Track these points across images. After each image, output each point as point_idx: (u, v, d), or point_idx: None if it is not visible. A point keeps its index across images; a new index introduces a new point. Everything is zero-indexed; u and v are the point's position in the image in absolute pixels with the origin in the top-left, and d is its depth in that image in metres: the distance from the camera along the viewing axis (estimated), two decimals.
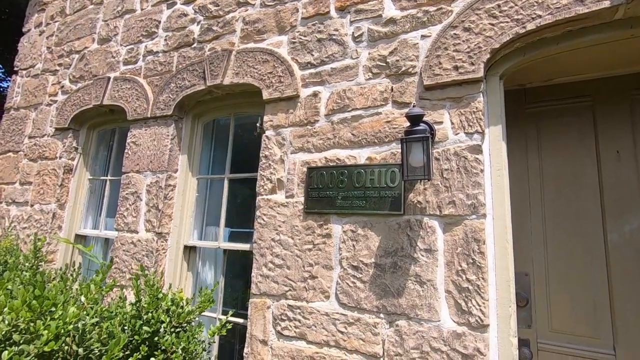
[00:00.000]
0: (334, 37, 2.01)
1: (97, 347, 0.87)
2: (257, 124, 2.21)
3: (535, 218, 1.80)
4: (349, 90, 1.90)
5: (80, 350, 0.82)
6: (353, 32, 1.95)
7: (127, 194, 2.57)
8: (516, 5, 1.54)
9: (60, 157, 3.06)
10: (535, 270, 1.77)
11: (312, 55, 2.05)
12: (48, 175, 3.07)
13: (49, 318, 0.78)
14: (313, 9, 2.11)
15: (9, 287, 1.08)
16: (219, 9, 2.48)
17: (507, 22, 1.55)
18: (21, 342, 0.72)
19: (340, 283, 1.72)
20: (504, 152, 1.57)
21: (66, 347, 0.81)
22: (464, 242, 1.50)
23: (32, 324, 0.75)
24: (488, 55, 1.56)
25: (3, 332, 0.71)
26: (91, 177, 3.09)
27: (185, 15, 2.64)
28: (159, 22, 2.77)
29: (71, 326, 0.80)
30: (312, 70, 2.04)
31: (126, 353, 0.99)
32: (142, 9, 2.91)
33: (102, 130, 3.18)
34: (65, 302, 0.85)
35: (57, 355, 0.78)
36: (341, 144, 1.86)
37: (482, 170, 1.52)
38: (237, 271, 2.41)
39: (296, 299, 1.81)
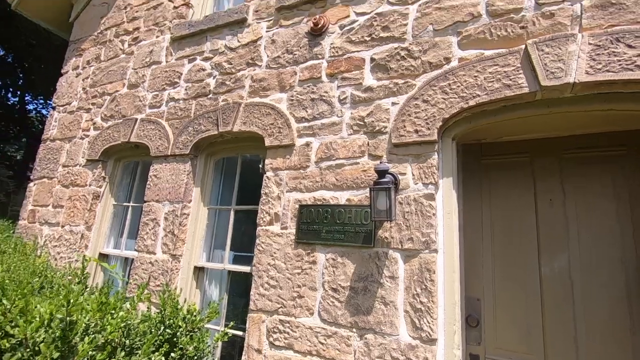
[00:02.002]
0: (324, 97, 2.46)
1: (137, 341, 1.25)
2: (260, 165, 2.65)
3: (486, 252, 2.17)
4: (334, 142, 2.33)
5: (127, 341, 1.20)
6: (339, 95, 2.40)
7: (147, 220, 3.00)
8: (462, 85, 1.98)
9: (90, 185, 3.52)
10: (485, 296, 2.12)
11: (306, 111, 2.51)
12: (78, 200, 3.53)
13: (110, 317, 1.16)
14: (308, 73, 2.58)
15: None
16: (232, 67, 2.97)
17: (455, 97, 1.98)
18: (94, 332, 1.11)
19: (322, 302, 2.09)
20: (454, 200, 1.97)
21: (117, 339, 1.20)
22: (419, 271, 1.87)
23: (100, 321, 1.13)
24: (441, 123, 1.99)
25: (84, 325, 1.09)
26: (115, 203, 3.54)
27: (204, 70, 3.14)
28: (181, 74, 3.27)
29: (123, 324, 1.18)
30: (306, 124, 2.48)
31: (154, 348, 1.36)
32: (166, 62, 3.43)
33: (126, 162, 3.65)
34: (115, 307, 1.23)
35: (114, 343, 1.16)
36: (327, 187, 2.28)
37: (434, 214, 1.91)
38: (239, 290, 2.79)
39: (286, 314, 2.19)
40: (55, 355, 0.95)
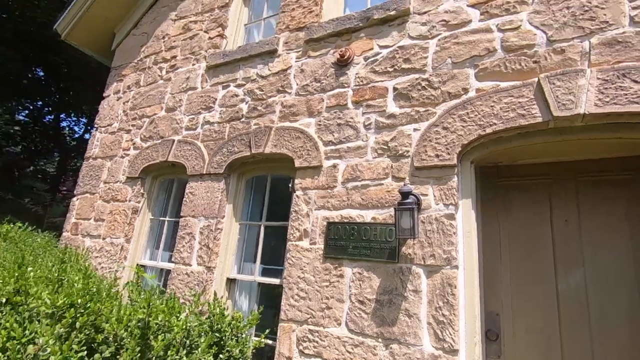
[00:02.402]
0: (349, 123, 2.67)
1: (194, 342, 1.44)
2: (290, 185, 2.87)
3: (504, 269, 2.30)
4: (360, 165, 2.53)
5: (187, 341, 1.40)
6: (364, 121, 2.61)
7: (184, 233, 3.24)
8: (479, 114, 2.15)
9: (130, 201, 3.81)
10: (504, 311, 2.24)
11: (333, 135, 2.72)
12: (119, 214, 3.82)
13: (175, 319, 1.36)
14: (335, 100, 2.80)
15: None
16: (263, 93, 3.24)
17: (473, 125, 2.16)
18: (163, 332, 1.31)
19: (349, 313, 2.25)
20: (473, 219, 2.12)
21: (179, 339, 1.39)
22: (441, 286, 2.02)
23: (168, 322, 1.33)
24: (460, 148, 2.16)
25: (156, 326, 1.29)
26: (152, 217, 3.81)
27: (237, 95, 3.42)
28: (216, 99, 3.56)
29: (184, 326, 1.37)
30: (333, 147, 2.69)
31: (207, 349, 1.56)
32: (202, 88, 3.73)
33: (162, 179, 3.93)
34: (180, 311, 1.43)
35: (177, 342, 1.36)
36: (353, 206, 2.47)
37: (455, 233, 2.07)
38: (268, 301, 2.97)
39: (315, 324, 2.35)
40: (137, 349, 1.15)
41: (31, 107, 9.82)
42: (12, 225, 3.84)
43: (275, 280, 2.83)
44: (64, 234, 4.26)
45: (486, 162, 2.41)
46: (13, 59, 7.59)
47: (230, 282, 3.04)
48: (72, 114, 11.89)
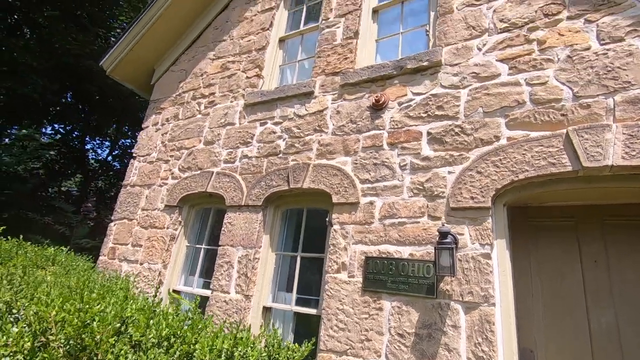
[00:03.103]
0: (385, 163, 2.88)
1: None
2: (327, 219, 3.05)
3: (536, 307, 2.42)
4: (396, 203, 2.71)
5: None
6: (399, 162, 2.82)
7: (222, 262, 3.42)
8: (512, 160, 2.34)
9: (168, 228, 4.02)
10: (537, 348, 2.34)
11: (370, 174, 2.92)
12: (157, 241, 4.02)
13: (251, 350, 1.52)
14: (371, 141, 3.03)
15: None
16: (300, 132, 3.48)
17: (506, 171, 2.34)
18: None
19: (389, 346, 2.38)
20: (507, 258, 2.27)
21: None
22: (479, 322, 2.15)
23: (246, 352, 1.49)
24: (494, 192, 2.34)
25: (238, 356, 1.45)
26: (188, 244, 4.01)
27: (274, 132, 3.67)
28: (253, 135, 3.82)
29: (259, 356, 1.53)
30: (369, 185, 2.89)
31: None
32: (240, 124, 4.01)
33: (198, 208, 4.15)
34: (255, 342, 1.60)
35: None
36: (390, 242, 2.63)
37: (491, 272, 2.21)
38: (303, 330, 3.10)
39: (355, 356, 2.47)
40: None
41: (62, 131, 10.33)
42: (57, 249, 4.05)
43: (311, 310, 2.97)
44: (101, 257, 4.46)
45: (516, 204, 2.58)
46: (50, 88, 8.10)
47: (266, 310, 3.18)
48: (97, 137, 12.37)
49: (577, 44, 2.41)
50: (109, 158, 13.31)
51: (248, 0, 4.82)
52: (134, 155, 4.96)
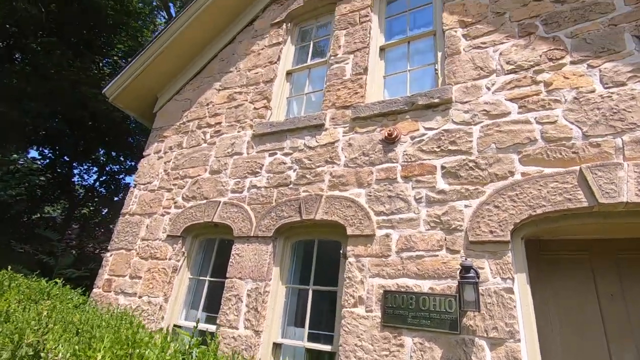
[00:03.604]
0: (400, 196, 2.92)
1: None
2: (341, 251, 3.03)
3: (556, 339, 2.42)
4: (413, 235, 2.73)
5: None
6: (415, 195, 2.86)
7: (230, 295, 3.31)
8: (528, 196, 2.42)
9: (170, 259, 3.89)
10: None
11: (384, 206, 2.95)
12: (158, 272, 3.88)
13: None
14: (384, 174, 3.08)
15: None
16: (312, 163, 3.52)
17: (523, 205, 2.41)
18: None
19: None
20: (529, 293, 2.29)
21: None
22: (506, 359, 2.13)
23: None
24: (512, 226, 2.39)
25: None
26: (191, 277, 3.88)
27: (284, 163, 3.69)
28: (262, 165, 3.83)
29: None
30: (385, 217, 2.91)
31: None
32: (248, 154, 4.02)
33: (203, 238, 4.06)
34: None
35: None
36: (409, 275, 2.62)
37: (514, 306, 2.22)
38: None
39: None
40: None
41: (52, 156, 10.07)
42: (50, 282, 3.85)
43: (325, 347, 2.88)
44: (95, 290, 4.25)
45: (531, 237, 2.63)
46: (43, 112, 7.97)
47: (276, 347, 3.06)
48: (84, 163, 12.11)
49: (582, 87, 2.57)
50: (97, 184, 12.99)
51: (255, 34, 4.97)
52: (134, 183, 4.87)
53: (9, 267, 3.86)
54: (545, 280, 2.59)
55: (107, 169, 13.02)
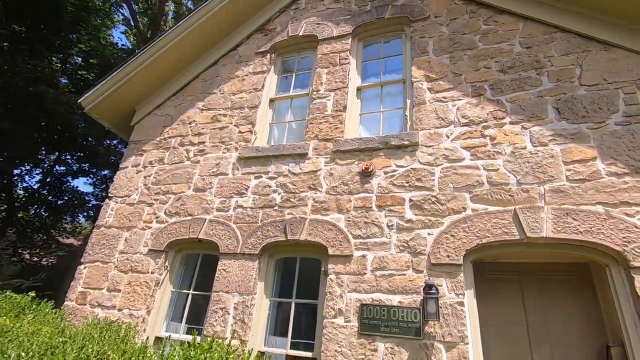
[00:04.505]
0: (375, 222, 3.45)
1: None
2: (322, 269, 3.48)
3: (494, 346, 3.06)
4: (385, 257, 3.26)
5: None
6: (387, 222, 3.41)
7: (216, 308, 3.59)
8: (476, 228, 3.07)
9: (153, 273, 4.05)
10: None
11: (361, 230, 3.46)
12: (139, 285, 4.01)
13: None
14: (361, 202, 3.59)
15: None
16: (296, 188, 3.94)
17: (472, 236, 3.05)
18: None
19: None
20: (475, 305, 2.91)
21: None
22: (457, 358, 2.70)
23: None
24: (464, 252, 3.02)
25: None
26: (173, 290, 4.06)
27: (269, 186, 4.07)
28: (248, 186, 4.16)
29: None
30: (361, 240, 3.41)
31: None
32: (233, 175, 4.33)
33: (185, 253, 4.26)
34: None
35: None
36: (382, 290, 3.14)
37: (465, 317, 2.82)
38: None
39: None
40: None
41: None
42: (23, 296, 3.80)
43: (306, 354, 3.28)
44: (67, 303, 4.23)
45: (476, 260, 3.29)
46: None
47: (262, 355, 3.40)
48: (26, 163, 11.28)
49: (517, 143, 3.31)
50: (38, 186, 12.10)
51: (239, 60, 5.31)
52: (109, 195, 4.90)
53: None
54: (487, 295, 3.25)
55: (52, 170, 12.21)
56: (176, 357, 1.99)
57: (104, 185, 14.80)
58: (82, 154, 11.20)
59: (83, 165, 12.94)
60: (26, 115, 8.57)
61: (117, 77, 5.26)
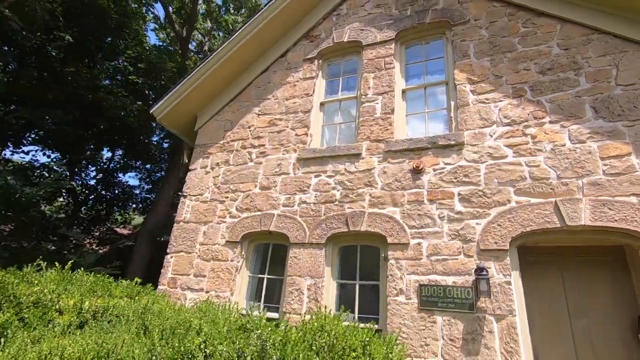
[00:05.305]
0: (427, 214, 3.96)
1: None
2: (382, 255, 4.05)
3: (537, 317, 3.56)
4: (438, 244, 3.78)
5: None
6: (439, 214, 3.91)
7: (292, 289, 4.25)
8: (521, 218, 3.52)
9: (232, 260, 4.75)
10: (539, 344, 3.46)
11: (415, 221, 3.98)
12: (222, 271, 4.73)
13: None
14: (414, 197, 4.10)
15: None
16: (353, 185, 4.48)
17: (517, 225, 3.52)
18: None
19: (443, 348, 3.38)
20: (521, 284, 3.41)
21: None
22: (507, 328, 3.23)
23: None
24: (510, 239, 3.49)
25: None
26: (250, 274, 4.76)
27: (329, 184, 4.63)
28: (309, 184, 4.75)
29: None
30: (416, 230, 3.94)
31: None
32: (294, 174, 4.92)
33: (258, 243, 4.94)
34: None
35: None
36: (437, 272, 3.68)
37: (512, 293, 3.32)
38: None
39: (417, 357, 3.44)
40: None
41: (61, 158, 10.36)
42: (135, 283, 4.60)
43: (372, 326, 3.89)
44: (160, 287, 5.03)
45: (521, 245, 3.75)
46: (65, 119, 8.34)
47: None
48: (86, 163, 12.36)
49: (557, 141, 3.70)
50: (93, 182, 13.23)
51: (288, 67, 5.81)
52: (184, 194, 5.62)
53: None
54: (530, 274, 3.72)
55: (104, 167, 13.29)
56: (315, 324, 2.61)
57: (148, 179, 15.93)
58: (132, 151, 12.17)
59: (130, 161, 13.99)
60: (87, 121, 9.47)
61: (180, 89, 5.89)
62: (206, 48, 16.03)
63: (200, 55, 16.34)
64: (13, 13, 7.40)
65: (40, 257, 4.39)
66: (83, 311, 3.12)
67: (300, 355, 2.06)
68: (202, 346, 2.13)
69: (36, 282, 3.62)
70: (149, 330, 2.84)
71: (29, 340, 2.52)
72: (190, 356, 2.08)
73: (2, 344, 2.45)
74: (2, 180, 6.59)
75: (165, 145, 14.74)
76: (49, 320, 3.10)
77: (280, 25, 5.84)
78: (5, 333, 2.64)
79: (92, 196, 13.14)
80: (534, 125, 3.86)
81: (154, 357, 2.08)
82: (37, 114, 7.64)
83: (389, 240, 4.00)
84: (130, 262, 10.83)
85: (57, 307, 3.26)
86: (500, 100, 4.12)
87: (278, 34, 5.92)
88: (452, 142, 4.13)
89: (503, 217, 3.61)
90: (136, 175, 15.33)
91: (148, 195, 15.55)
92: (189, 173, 5.79)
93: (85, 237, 11.77)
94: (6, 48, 8.64)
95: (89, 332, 2.77)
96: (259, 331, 2.30)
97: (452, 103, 4.47)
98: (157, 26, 18.71)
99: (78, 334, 2.68)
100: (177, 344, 2.11)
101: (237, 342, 2.15)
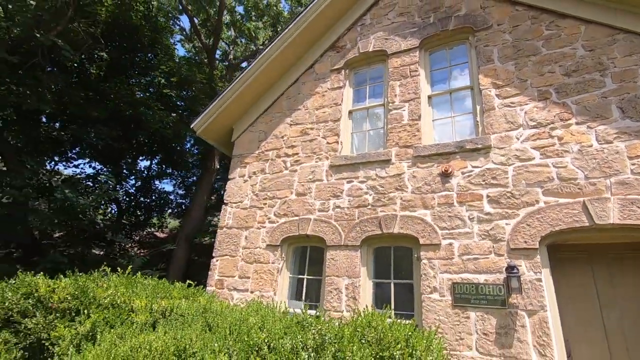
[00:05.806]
0: (457, 216, 4.18)
1: None
2: (415, 255, 4.30)
3: (568, 312, 3.72)
4: (469, 244, 3.99)
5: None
6: (468, 215, 4.12)
7: (330, 289, 4.58)
8: (549, 217, 3.69)
9: (273, 263, 5.14)
10: (571, 338, 3.62)
11: (446, 223, 4.21)
12: (264, 273, 5.13)
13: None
14: (444, 200, 4.32)
15: None
16: (384, 189, 4.75)
17: (546, 225, 3.68)
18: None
19: (477, 341, 3.61)
20: (551, 281, 3.58)
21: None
22: (539, 322, 3.42)
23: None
24: (539, 238, 3.66)
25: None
26: (290, 275, 5.14)
27: (361, 189, 4.92)
28: (342, 190, 5.05)
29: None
30: (447, 231, 4.17)
31: None
32: (327, 180, 5.24)
33: (296, 246, 5.30)
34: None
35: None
36: (469, 271, 3.90)
37: (543, 290, 3.50)
38: None
39: (453, 350, 3.68)
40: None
41: (107, 170, 11.24)
42: (188, 285, 5.07)
43: (406, 322, 4.16)
44: (208, 288, 5.49)
45: (550, 244, 3.91)
46: (110, 136, 9.07)
47: None
48: (129, 173, 13.21)
49: (583, 142, 3.82)
50: (132, 190, 14.11)
51: (317, 77, 6.13)
52: (225, 201, 6.07)
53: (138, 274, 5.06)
54: (560, 271, 3.87)
55: (143, 175, 14.13)
56: (363, 320, 2.93)
57: (182, 184, 16.74)
58: (167, 159, 12.91)
59: (166, 168, 14.79)
60: (127, 135, 10.19)
61: (217, 104, 6.34)
62: (231, 57, 16.63)
63: (225, 64, 16.97)
64: (61, 40, 8.09)
65: (92, 262, 4.95)
66: (153, 311, 3.57)
67: (354, 347, 2.37)
68: (266, 340, 2.49)
69: (105, 286, 4.13)
70: (212, 328, 3.24)
71: (115, 337, 2.98)
72: (257, 349, 2.44)
73: (97, 340, 2.91)
74: (60, 193, 7.31)
75: (196, 151, 15.48)
76: (123, 320, 3.58)
77: (307, 38, 6.16)
78: (96, 330, 3.11)
79: (133, 203, 14.02)
80: (560, 127, 3.99)
81: (226, 350, 2.45)
82: (82, 131, 8.38)
83: (421, 241, 4.25)
84: (170, 264, 11.56)
85: (129, 307, 3.74)
86: (526, 104, 4.27)
87: (303, 49, 6.25)
88: (479, 146, 4.32)
89: (532, 217, 3.78)
90: (170, 181, 16.15)
91: (182, 200, 16.40)
92: (228, 182, 6.23)
93: (128, 242, 12.58)
94: (55, 69, 9.46)
95: (162, 330, 3.20)
96: (319, 327, 2.64)
97: (478, 107, 4.64)
98: (182, 37, 19.54)
99: (156, 330, 3.12)
100: (246, 338, 2.48)
101: (300, 336, 2.50)
